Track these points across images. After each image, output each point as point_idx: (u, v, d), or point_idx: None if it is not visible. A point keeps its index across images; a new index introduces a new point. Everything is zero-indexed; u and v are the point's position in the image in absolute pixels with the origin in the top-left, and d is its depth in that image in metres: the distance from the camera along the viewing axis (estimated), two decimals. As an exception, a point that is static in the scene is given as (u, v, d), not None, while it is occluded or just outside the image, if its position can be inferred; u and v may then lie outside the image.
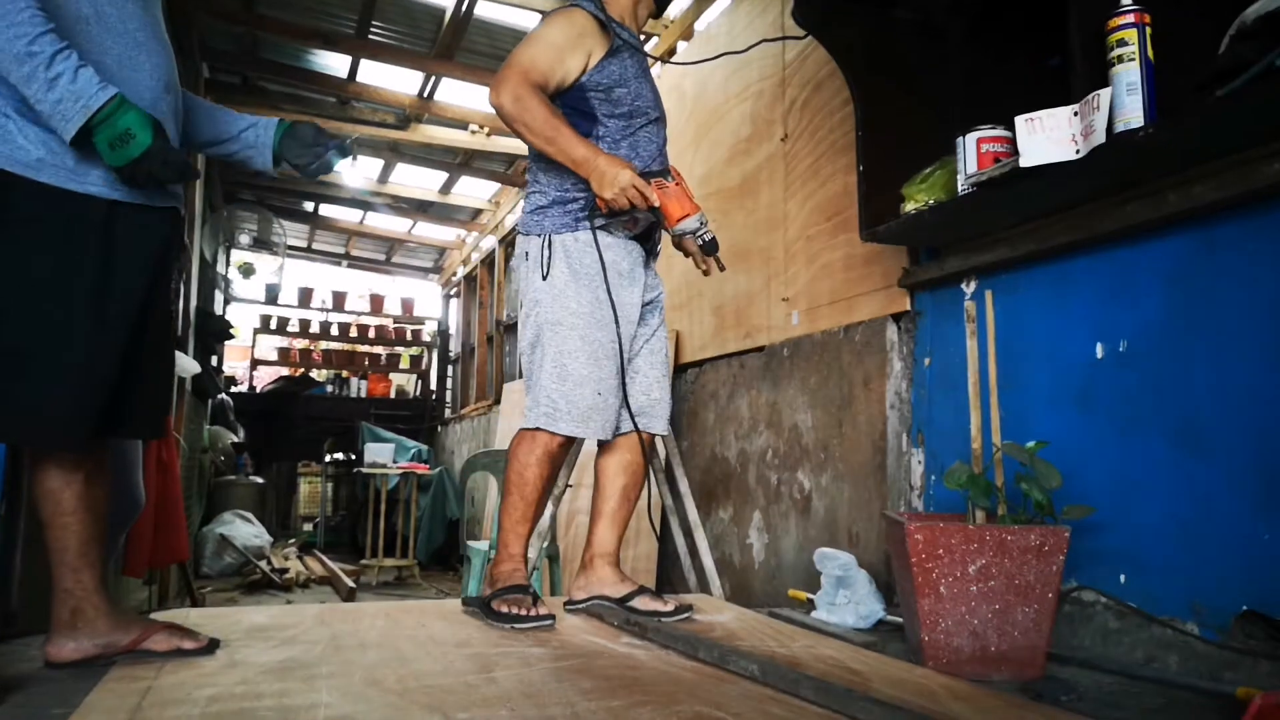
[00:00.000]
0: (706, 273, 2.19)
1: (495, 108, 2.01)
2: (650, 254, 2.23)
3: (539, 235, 2.12)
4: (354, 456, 9.02)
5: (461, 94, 5.99)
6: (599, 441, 2.19)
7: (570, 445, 2.15)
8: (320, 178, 1.93)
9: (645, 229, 2.15)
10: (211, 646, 1.63)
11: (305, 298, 10.61)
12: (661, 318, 2.28)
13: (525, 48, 2.04)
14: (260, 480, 8.45)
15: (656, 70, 4.20)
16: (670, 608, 2.05)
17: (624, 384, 2.13)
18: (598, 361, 2.05)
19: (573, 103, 2.09)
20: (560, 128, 1.97)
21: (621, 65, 2.10)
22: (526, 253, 2.15)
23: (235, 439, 7.87)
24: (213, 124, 1.83)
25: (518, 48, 2.06)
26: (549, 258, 2.09)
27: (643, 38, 4.56)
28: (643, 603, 2.07)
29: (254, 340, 10.51)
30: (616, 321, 2.07)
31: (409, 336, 11.09)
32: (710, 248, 2.12)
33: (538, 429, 2.06)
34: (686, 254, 2.21)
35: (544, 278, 2.09)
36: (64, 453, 1.54)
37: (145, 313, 1.56)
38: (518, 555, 2.08)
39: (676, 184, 2.07)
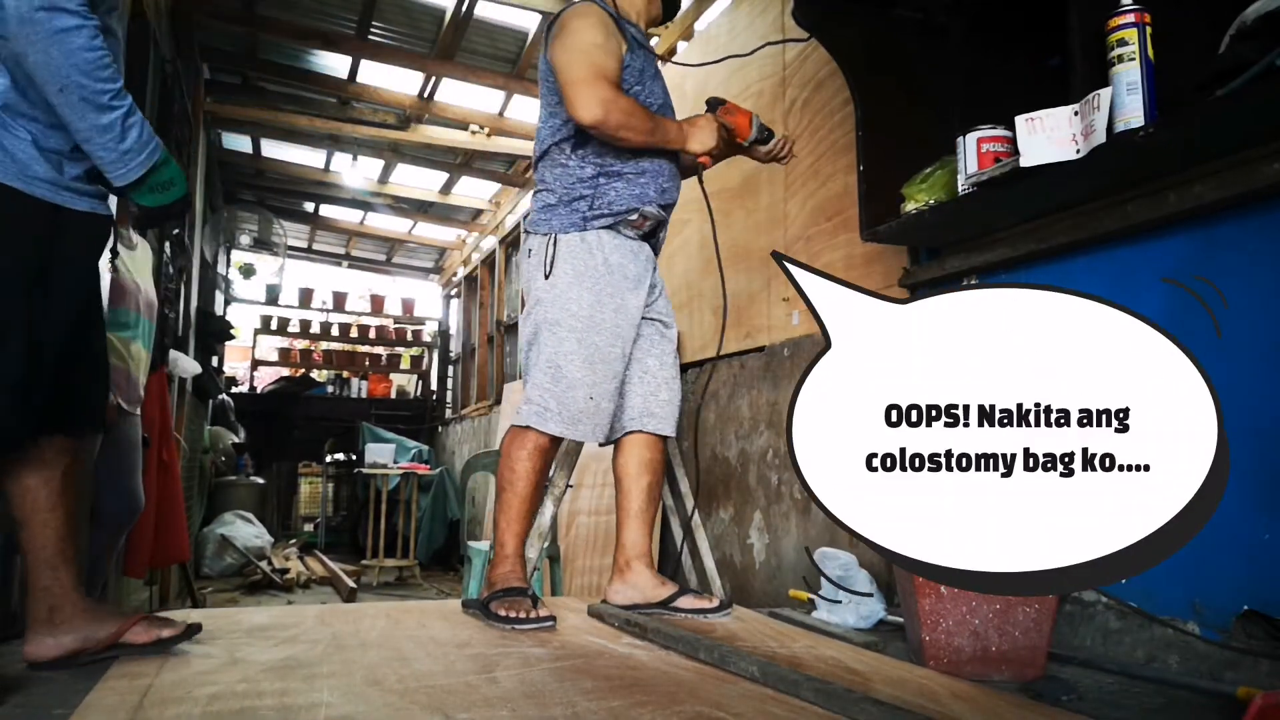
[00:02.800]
0: (784, 160, 2.33)
1: (591, 126, 1.96)
2: (656, 252, 2.23)
3: (545, 234, 2.11)
4: (354, 457, 9.02)
5: (462, 94, 6.00)
6: (615, 443, 2.20)
7: (560, 442, 2.16)
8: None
9: (652, 228, 2.16)
10: (190, 631, 1.64)
11: (305, 298, 10.61)
12: (672, 318, 2.28)
13: (579, 57, 1.97)
14: (261, 481, 8.45)
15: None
16: (715, 604, 2.10)
17: (623, 387, 2.13)
18: (592, 365, 2.05)
19: None
20: (656, 118, 2.06)
21: (635, 63, 2.10)
22: (530, 250, 2.15)
23: (236, 439, 7.88)
24: None
25: (566, 59, 1.99)
26: (553, 257, 2.08)
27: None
28: (687, 602, 2.10)
29: (254, 341, 10.50)
30: (619, 325, 2.08)
31: (409, 337, 11.09)
32: (765, 137, 2.26)
33: (528, 427, 2.07)
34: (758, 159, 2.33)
35: (546, 276, 2.08)
36: (41, 450, 1.54)
37: (84, 314, 1.58)
38: (513, 555, 2.08)
39: (729, 104, 2.24)
